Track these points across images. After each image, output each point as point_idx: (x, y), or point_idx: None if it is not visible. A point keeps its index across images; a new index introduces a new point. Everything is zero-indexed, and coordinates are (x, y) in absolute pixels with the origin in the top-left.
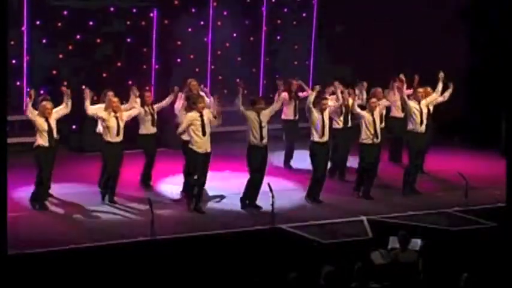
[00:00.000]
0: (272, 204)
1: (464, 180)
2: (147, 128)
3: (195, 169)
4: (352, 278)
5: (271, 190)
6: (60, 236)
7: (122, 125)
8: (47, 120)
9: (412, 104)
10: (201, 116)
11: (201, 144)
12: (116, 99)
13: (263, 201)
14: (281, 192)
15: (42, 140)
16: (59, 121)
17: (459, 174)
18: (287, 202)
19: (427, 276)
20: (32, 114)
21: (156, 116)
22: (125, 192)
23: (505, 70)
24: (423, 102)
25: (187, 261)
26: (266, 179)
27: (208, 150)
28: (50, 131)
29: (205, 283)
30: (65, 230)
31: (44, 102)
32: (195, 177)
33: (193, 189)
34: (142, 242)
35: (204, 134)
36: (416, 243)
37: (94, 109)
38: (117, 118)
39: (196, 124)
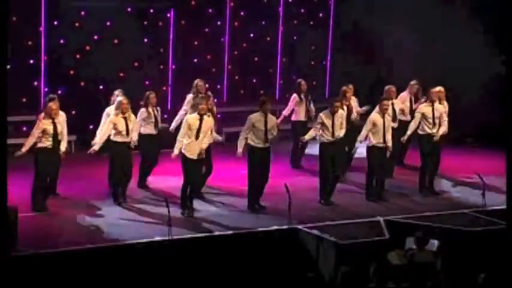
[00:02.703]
0: (289, 205)
1: (482, 181)
2: (149, 129)
3: (185, 174)
4: (369, 279)
5: (288, 191)
6: (77, 236)
7: (130, 126)
8: (53, 121)
9: (425, 107)
10: (201, 119)
11: (192, 148)
12: (126, 101)
13: (279, 201)
14: (297, 192)
15: (44, 143)
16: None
17: (477, 175)
18: (303, 202)
19: (445, 277)
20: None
21: (159, 118)
22: (141, 192)
23: None
24: (436, 105)
25: (204, 262)
26: (281, 179)
27: (201, 157)
28: (54, 135)
29: (221, 283)
30: (81, 230)
31: (50, 103)
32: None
33: (186, 193)
34: (159, 242)
35: (197, 137)
36: (433, 244)
37: (104, 131)
38: (125, 119)
39: (193, 128)
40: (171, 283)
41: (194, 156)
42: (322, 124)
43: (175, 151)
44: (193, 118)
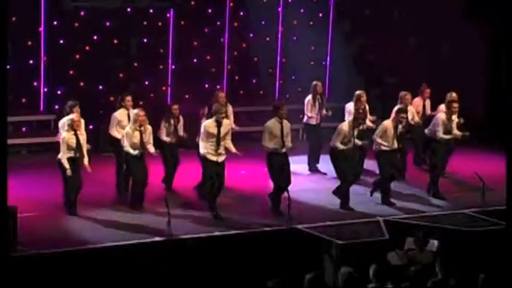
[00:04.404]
0: (288, 205)
1: (481, 181)
2: (170, 139)
3: (208, 177)
4: (369, 279)
5: (287, 191)
6: (77, 236)
7: (145, 139)
8: (75, 133)
9: (443, 117)
10: (219, 126)
11: (215, 152)
12: (142, 113)
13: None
14: (297, 192)
15: (67, 155)
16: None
17: (476, 175)
18: (303, 203)
19: (444, 277)
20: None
21: (178, 128)
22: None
23: None
24: (454, 117)
25: (204, 261)
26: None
27: (221, 159)
28: (77, 146)
29: (221, 283)
30: (82, 230)
31: (71, 116)
32: (209, 184)
33: (210, 195)
34: (159, 242)
35: (218, 143)
36: (433, 244)
37: (118, 131)
38: (141, 132)
39: (213, 133)
40: (171, 283)
41: (217, 159)
42: (345, 134)
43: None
44: (210, 123)
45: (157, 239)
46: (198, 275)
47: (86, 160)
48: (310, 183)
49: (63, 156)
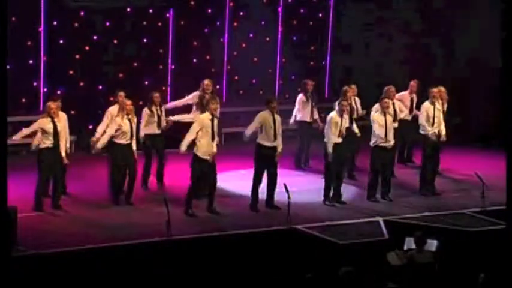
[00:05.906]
0: (288, 205)
1: (481, 181)
2: (153, 129)
3: (200, 176)
4: (369, 279)
5: (287, 190)
6: (77, 236)
7: (135, 127)
8: (52, 120)
9: (425, 103)
10: (213, 118)
11: (206, 148)
12: (129, 102)
13: (279, 201)
14: (297, 192)
15: (45, 143)
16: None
17: (476, 175)
18: (303, 202)
19: (444, 277)
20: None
21: (162, 118)
22: (141, 192)
23: None
24: (438, 106)
25: (204, 262)
26: (281, 179)
27: (212, 158)
28: (55, 134)
29: (221, 283)
30: (82, 230)
31: (49, 102)
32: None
33: (193, 192)
34: (159, 242)
35: (212, 138)
36: (433, 244)
37: (108, 132)
38: (130, 120)
39: (207, 128)
40: (171, 283)
41: (207, 157)
42: (334, 124)
43: (183, 147)
44: (205, 117)
45: (157, 239)
46: (198, 275)
47: (63, 150)
48: (310, 183)
49: (37, 140)
